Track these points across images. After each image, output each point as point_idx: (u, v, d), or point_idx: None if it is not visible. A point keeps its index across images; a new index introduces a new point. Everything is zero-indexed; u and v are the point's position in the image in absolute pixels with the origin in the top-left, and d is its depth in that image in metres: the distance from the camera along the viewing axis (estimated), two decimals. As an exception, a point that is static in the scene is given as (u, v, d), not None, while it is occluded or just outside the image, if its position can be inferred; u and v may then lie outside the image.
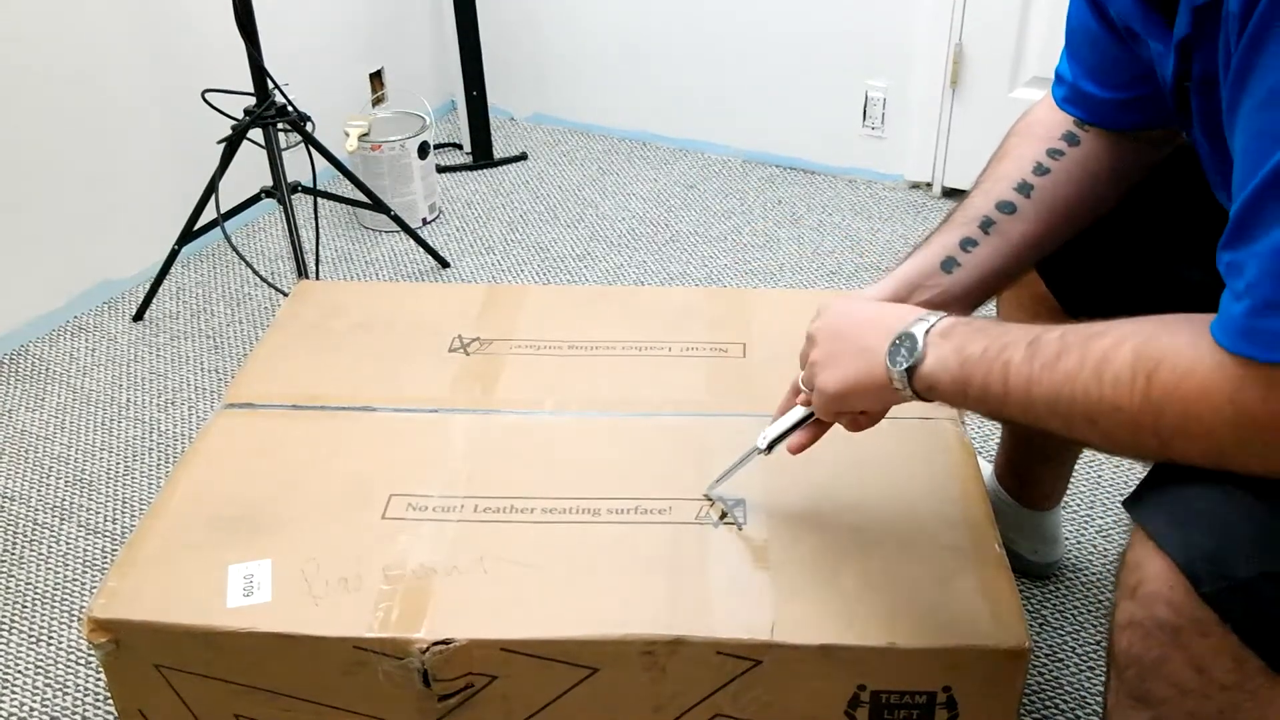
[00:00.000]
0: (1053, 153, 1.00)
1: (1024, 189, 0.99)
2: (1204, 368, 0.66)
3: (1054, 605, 1.41)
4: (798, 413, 0.99)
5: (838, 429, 0.98)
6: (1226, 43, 0.68)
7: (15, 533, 1.57)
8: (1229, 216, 0.67)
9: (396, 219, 2.14)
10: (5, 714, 1.31)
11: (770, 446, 1.01)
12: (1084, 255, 1.05)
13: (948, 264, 0.98)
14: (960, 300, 0.98)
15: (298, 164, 2.05)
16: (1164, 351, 0.69)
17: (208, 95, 1.90)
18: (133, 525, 1.58)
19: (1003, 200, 0.99)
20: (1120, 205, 1.02)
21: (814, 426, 0.99)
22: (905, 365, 0.84)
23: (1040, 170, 0.99)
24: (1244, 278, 0.65)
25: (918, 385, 0.84)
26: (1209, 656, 0.69)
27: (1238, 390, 0.65)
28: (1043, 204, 0.99)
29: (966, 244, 0.99)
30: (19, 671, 1.37)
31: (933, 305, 0.95)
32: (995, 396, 0.78)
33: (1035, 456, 1.37)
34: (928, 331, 0.83)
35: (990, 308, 1.13)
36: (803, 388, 0.98)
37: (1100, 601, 1.41)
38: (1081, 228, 1.01)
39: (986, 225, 0.99)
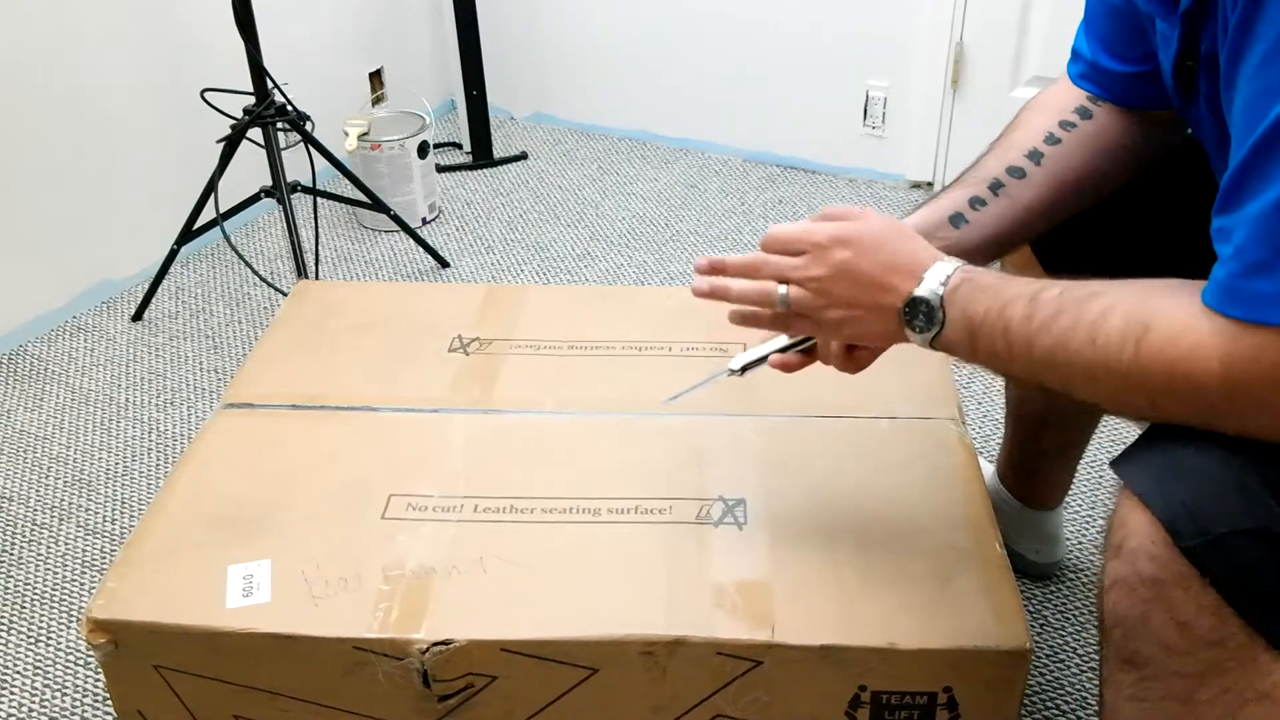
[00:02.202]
0: (1065, 124, 1.01)
1: (1034, 156, 1.00)
2: (1193, 329, 0.68)
3: (1055, 605, 1.40)
4: (779, 341, 0.96)
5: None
6: (1224, 15, 0.70)
7: (14, 533, 1.57)
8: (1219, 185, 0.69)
9: (396, 219, 2.14)
10: (4, 714, 1.31)
11: (744, 369, 0.96)
12: (1080, 237, 1.06)
13: (956, 219, 0.99)
14: (965, 259, 0.98)
15: (297, 163, 2.05)
16: (1155, 313, 0.70)
17: (207, 95, 1.90)
18: (132, 525, 1.58)
19: (1013, 165, 1.00)
20: (1122, 189, 1.03)
21: (805, 354, 0.95)
22: (928, 332, 0.85)
23: (1051, 140, 1.01)
24: (1232, 241, 0.67)
25: (936, 347, 0.86)
26: (1191, 611, 0.70)
27: (1226, 350, 0.67)
28: (1052, 173, 1.00)
29: (975, 202, 0.99)
30: (17, 672, 1.37)
31: None
32: (1000, 357, 0.80)
33: (1038, 454, 1.37)
34: (942, 298, 0.84)
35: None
36: (779, 304, 0.91)
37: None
38: (1089, 202, 1.02)
39: (996, 187, 1.00)
